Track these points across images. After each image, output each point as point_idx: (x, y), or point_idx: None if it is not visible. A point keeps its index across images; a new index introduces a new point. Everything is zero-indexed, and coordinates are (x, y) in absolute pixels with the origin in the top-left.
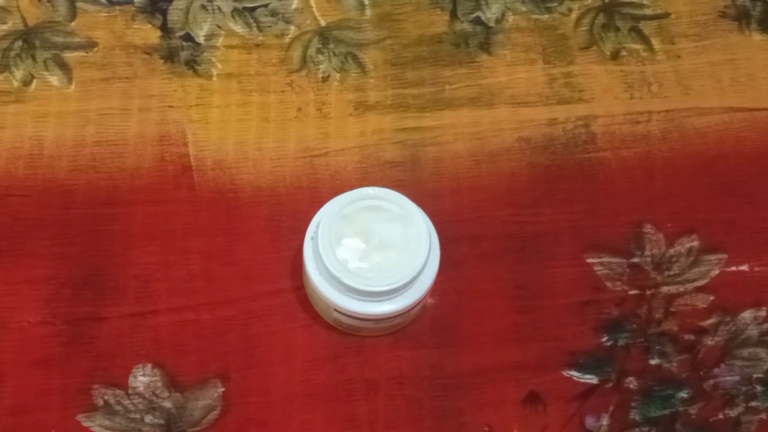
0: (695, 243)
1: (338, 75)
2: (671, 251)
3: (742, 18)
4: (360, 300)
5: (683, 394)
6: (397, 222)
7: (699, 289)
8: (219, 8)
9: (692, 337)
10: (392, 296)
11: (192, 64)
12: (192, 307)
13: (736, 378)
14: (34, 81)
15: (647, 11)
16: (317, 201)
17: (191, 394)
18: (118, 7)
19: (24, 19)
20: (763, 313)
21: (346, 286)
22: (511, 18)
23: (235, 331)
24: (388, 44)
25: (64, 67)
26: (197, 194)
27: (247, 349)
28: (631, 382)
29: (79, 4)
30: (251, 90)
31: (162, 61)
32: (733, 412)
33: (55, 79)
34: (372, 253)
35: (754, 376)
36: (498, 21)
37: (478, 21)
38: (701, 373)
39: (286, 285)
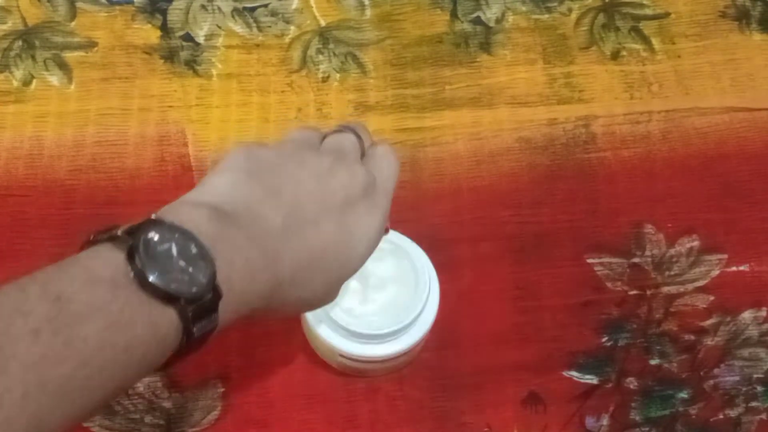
0: (695, 243)
1: (338, 75)
2: (671, 251)
3: (742, 18)
4: (367, 343)
5: (683, 395)
6: (390, 257)
7: (699, 289)
8: (219, 8)
9: (692, 337)
10: (400, 335)
11: (192, 64)
12: None
13: (736, 378)
14: (34, 81)
15: (647, 11)
16: None
17: (191, 394)
18: (118, 7)
19: (24, 19)
20: (763, 314)
21: (353, 332)
22: (511, 18)
23: (235, 331)
24: (388, 44)
25: (64, 67)
26: None
27: (247, 349)
28: (632, 382)
29: (79, 4)
30: (251, 90)
31: (162, 61)
32: (733, 413)
33: (55, 79)
34: (372, 294)
35: (754, 376)
36: (498, 21)
37: (478, 21)
38: (701, 373)
39: None
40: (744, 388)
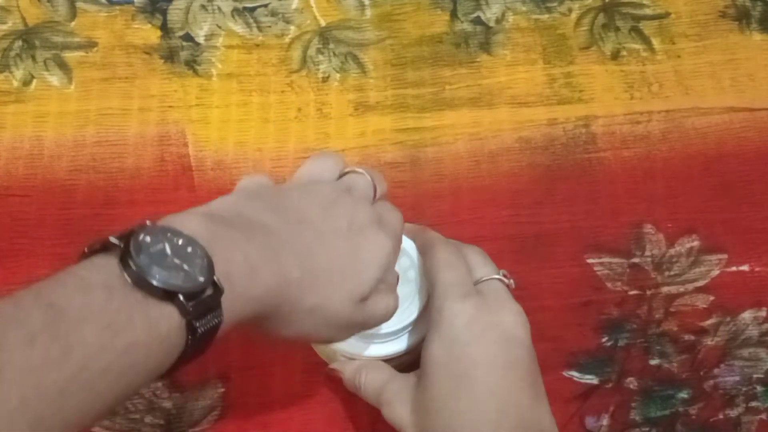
0: (695, 243)
1: (338, 75)
2: (671, 251)
3: (742, 18)
4: (368, 343)
5: (683, 395)
6: None
7: (699, 290)
8: (219, 8)
9: (692, 338)
10: (401, 335)
11: (192, 64)
12: None
13: (736, 378)
14: (34, 81)
15: (647, 11)
16: None
17: (191, 394)
18: (118, 7)
19: (24, 19)
20: (763, 314)
21: (363, 333)
22: (511, 18)
23: (235, 331)
24: (388, 44)
25: (64, 67)
26: (197, 194)
27: (247, 349)
28: (631, 383)
29: (79, 4)
30: (251, 90)
31: (162, 61)
32: (733, 413)
33: (55, 79)
34: None
35: (754, 376)
36: (498, 21)
37: (478, 21)
38: (701, 373)
39: None
40: (744, 388)
